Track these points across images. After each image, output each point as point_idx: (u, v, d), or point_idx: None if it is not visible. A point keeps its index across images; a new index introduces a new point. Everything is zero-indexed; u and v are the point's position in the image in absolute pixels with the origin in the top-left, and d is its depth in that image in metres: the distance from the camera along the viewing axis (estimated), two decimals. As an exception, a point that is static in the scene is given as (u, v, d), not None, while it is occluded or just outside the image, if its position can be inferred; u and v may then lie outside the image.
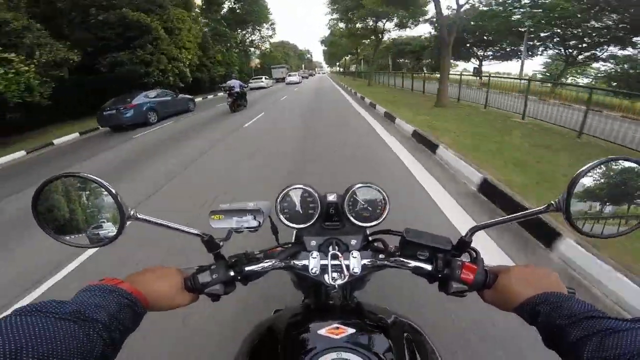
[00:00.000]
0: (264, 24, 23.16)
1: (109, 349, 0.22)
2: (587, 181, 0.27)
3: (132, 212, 0.30)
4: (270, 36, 24.43)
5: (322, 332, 0.29)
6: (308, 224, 0.39)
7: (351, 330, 0.29)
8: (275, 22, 24.06)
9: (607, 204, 0.28)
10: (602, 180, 0.27)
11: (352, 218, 0.38)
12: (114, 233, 0.30)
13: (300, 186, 0.39)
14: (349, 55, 26.58)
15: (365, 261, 0.35)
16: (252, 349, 0.34)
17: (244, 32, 20.94)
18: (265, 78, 15.97)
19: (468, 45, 14.56)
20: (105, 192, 0.29)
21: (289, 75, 18.86)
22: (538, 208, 0.28)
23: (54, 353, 0.19)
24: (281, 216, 0.39)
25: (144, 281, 0.29)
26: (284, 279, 0.49)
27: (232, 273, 0.34)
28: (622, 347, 0.19)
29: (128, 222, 0.30)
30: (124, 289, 0.26)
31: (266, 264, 0.35)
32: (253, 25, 21.80)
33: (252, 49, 22.73)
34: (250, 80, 15.18)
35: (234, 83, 6.33)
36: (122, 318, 0.24)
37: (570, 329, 0.22)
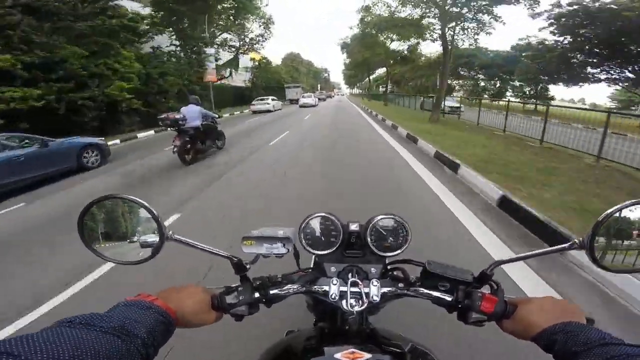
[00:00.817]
0: (250, 17, 14.48)
1: None
2: (613, 221, 0.31)
3: (169, 234, 0.36)
4: (263, 38, 15.96)
5: (339, 356, 0.31)
6: (329, 251, 0.43)
7: (367, 356, 0.31)
8: (272, 19, 15.97)
9: (632, 243, 0.32)
10: (628, 222, 0.31)
11: (373, 247, 0.43)
12: (151, 253, 0.36)
13: (324, 214, 0.45)
14: (373, 72, 22.94)
15: (384, 289, 0.38)
16: None
17: (212, 27, 12.40)
18: (273, 99, 13.45)
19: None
20: (146, 213, 0.35)
21: (303, 97, 17.32)
22: (562, 245, 0.32)
23: None
24: (303, 242, 0.44)
25: (174, 298, 0.34)
26: (294, 300, 0.51)
27: (257, 295, 0.39)
28: None
29: (165, 243, 0.35)
30: (159, 306, 0.30)
31: (289, 287, 0.40)
32: (227, 16, 13.61)
33: (215, 52, 12.33)
34: (253, 102, 13.34)
35: (189, 112, 3.84)
36: (157, 334, 0.28)
37: (584, 356, 0.24)
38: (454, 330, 0.96)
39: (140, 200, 0.35)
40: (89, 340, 0.22)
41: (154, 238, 0.36)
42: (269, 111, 12.98)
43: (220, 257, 0.39)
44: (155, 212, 0.35)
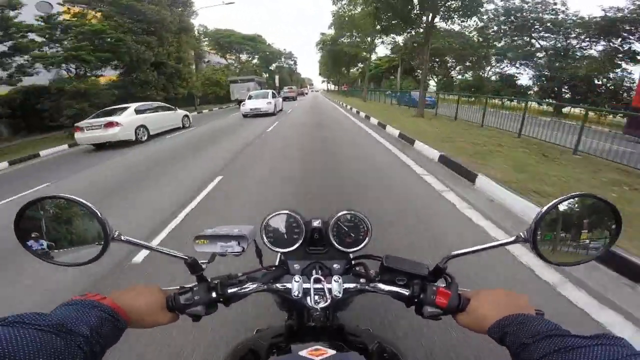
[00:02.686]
0: None
1: None
2: (553, 214, 0.41)
3: (115, 234, 0.42)
4: None
5: (303, 353, 0.39)
6: (292, 248, 0.54)
7: (331, 352, 0.39)
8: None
9: (571, 234, 0.43)
10: (568, 214, 0.42)
11: (335, 243, 0.54)
12: (97, 254, 0.42)
13: (286, 212, 0.55)
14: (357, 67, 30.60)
15: (347, 285, 0.48)
16: None
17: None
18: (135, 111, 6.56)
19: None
20: (89, 214, 0.40)
21: (249, 99, 11.53)
22: (507, 239, 0.43)
23: None
24: (266, 240, 0.54)
25: (126, 298, 0.41)
26: (269, 299, 0.64)
27: (214, 295, 0.46)
28: None
29: (111, 244, 0.42)
30: (106, 305, 0.36)
31: (249, 286, 0.48)
32: None
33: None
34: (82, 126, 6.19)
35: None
36: (102, 332, 0.33)
37: (533, 348, 0.31)
38: (421, 325, 1.25)
39: (81, 200, 0.40)
40: (24, 339, 0.26)
41: (98, 239, 0.42)
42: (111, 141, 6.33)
43: (173, 257, 0.47)
44: (98, 212, 0.41)
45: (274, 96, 12.39)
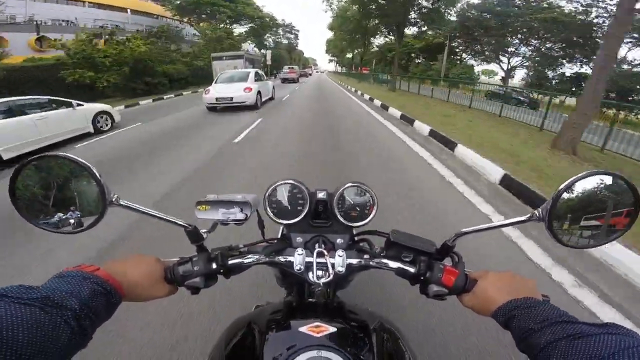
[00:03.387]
0: None
1: (77, 337, 0.37)
2: (569, 193, 0.49)
3: (114, 198, 0.51)
4: None
5: (303, 329, 0.50)
6: (296, 220, 0.67)
7: (332, 329, 0.50)
8: None
9: (587, 215, 0.51)
10: (585, 193, 0.49)
11: (340, 217, 0.68)
12: (95, 218, 0.52)
13: (290, 181, 0.68)
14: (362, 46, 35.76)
15: (350, 261, 0.61)
16: (230, 343, 0.58)
17: None
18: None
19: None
20: (88, 175, 0.49)
21: (217, 82, 10.24)
22: (520, 218, 0.53)
23: (15, 339, 0.30)
24: (269, 210, 0.68)
25: (122, 269, 0.50)
26: (268, 275, 0.83)
27: (214, 266, 0.59)
28: (589, 351, 0.34)
29: (109, 208, 0.51)
30: (99, 276, 0.43)
31: (250, 258, 0.61)
32: None
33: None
34: None
35: None
36: (94, 306, 0.40)
37: (541, 333, 0.40)
38: (423, 305, 1.69)
39: (81, 160, 0.50)
40: (5, 313, 0.32)
41: (96, 202, 0.52)
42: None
43: (173, 224, 0.59)
44: (97, 173, 0.50)
45: (258, 78, 10.47)
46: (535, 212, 0.53)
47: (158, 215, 0.59)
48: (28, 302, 0.35)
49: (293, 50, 71.62)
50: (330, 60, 76.22)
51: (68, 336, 0.36)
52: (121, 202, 0.54)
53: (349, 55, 52.16)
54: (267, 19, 40.73)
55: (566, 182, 0.50)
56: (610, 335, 0.36)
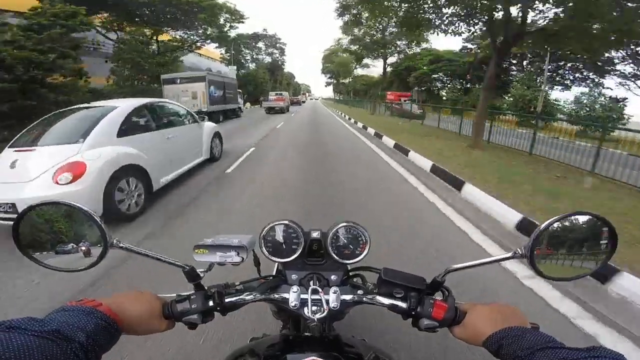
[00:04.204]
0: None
1: None
2: (550, 230, 0.77)
3: (114, 241, 0.77)
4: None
5: None
6: (291, 259, 0.96)
7: None
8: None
9: (567, 251, 0.81)
10: (565, 231, 0.79)
11: (334, 255, 0.97)
12: (95, 259, 0.78)
13: (285, 222, 0.98)
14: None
15: (344, 297, 0.89)
16: None
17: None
18: None
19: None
20: (89, 220, 0.75)
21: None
22: (505, 255, 0.81)
23: None
24: (264, 250, 0.97)
25: (121, 304, 0.72)
26: (264, 307, 1.12)
27: (211, 303, 0.84)
28: None
29: (109, 250, 0.78)
30: (102, 312, 0.64)
31: (247, 296, 0.88)
32: None
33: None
34: None
35: None
36: (98, 339, 0.59)
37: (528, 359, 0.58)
38: (419, 336, 2.08)
39: (81, 207, 0.76)
40: (20, 344, 0.48)
41: (98, 245, 0.79)
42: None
43: (171, 265, 0.87)
44: (97, 218, 0.76)
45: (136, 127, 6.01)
46: (518, 249, 0.81)
47: (156, 256, 0.88)
48: (41, 335, 0.53)
49: (278, 70, 74.80)
50: (329, 84, 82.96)
51: None
52: (121, 245, 0.82)
53: (359, 71, 59.37)
54: (229, 17, 35.92)
55: (546, 222, 0.78)
56: (596, 359, 0.52)
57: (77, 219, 0.82)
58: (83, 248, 0.83)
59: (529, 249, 0.79)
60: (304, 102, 69.51)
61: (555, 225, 0.79)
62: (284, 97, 35.94)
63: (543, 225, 0.78)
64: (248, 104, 47.82)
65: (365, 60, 40.44)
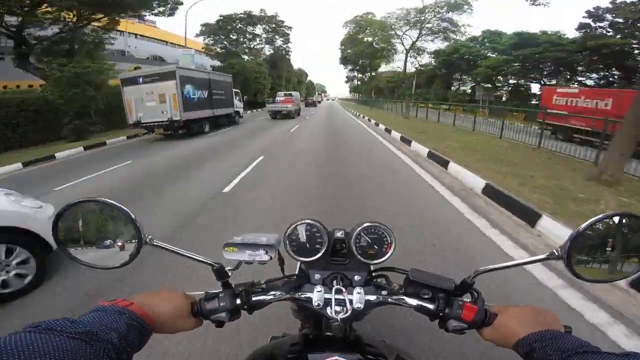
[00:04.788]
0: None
1: None
2: (588, 232, 0.97)
3: (148, 239, 1.07)
4: None
5: None
6: (314, 258, 1.24)
7: None
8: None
9: (605, 253, 1.01)
10: (602, 232, 0.99)
11: (358, 255, 1.25)
12: (129, 257, 1.09)
13: (309, 221, 1.26)
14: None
15: (368, 297, 1.14)
16: None
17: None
18: None
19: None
20: (124, 218, 1.05)
21: None
22: (540, 256, 1.02)
23: None
24: (289, 249, 1.26)
25: (152, 304, 0.97)
26: (282, 306, 1.60)
27: (238, 302, 1.13)
28: None
29: (142, 248, 1.08)
30: (133, 311, 0.86)
31: (272, 295, 1.17)
32: None
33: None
34: None
35: None
36: (129, 338, 0.79)
37: None
38: (440, 337, 2.98)
39: (118, 205, 1.02)
40: (55, 346, 0.63)
41: (132, 242, 1.07)
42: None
43: (201, 262, 1.14)
44: (133, 216, 1.03)
45: None
46: (554, 250, 1.00)
47: (188, 254, 1.13)
48: (75, 336, 0.67)
49: (282, 63, 72.30)
50: (350, 79, 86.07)
51: None
52: (155, 242, 1.08)
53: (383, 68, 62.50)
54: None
55: (584, 224, 0.95)
56: None
57: (113, 216, 1.08)
58: (119, 244, 1.10)
59: (565, 251, 0.97)
60: (319, 102, 77.66)
61: (596, 225, 0.97)
62: (293, 98, 37.03)
63: (581, 227, 0.95)
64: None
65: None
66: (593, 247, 1.02)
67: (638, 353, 0.70)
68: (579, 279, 1.02)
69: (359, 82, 79.04)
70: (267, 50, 65.61)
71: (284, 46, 69.10)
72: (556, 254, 1.00)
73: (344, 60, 73.07)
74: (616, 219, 0.99)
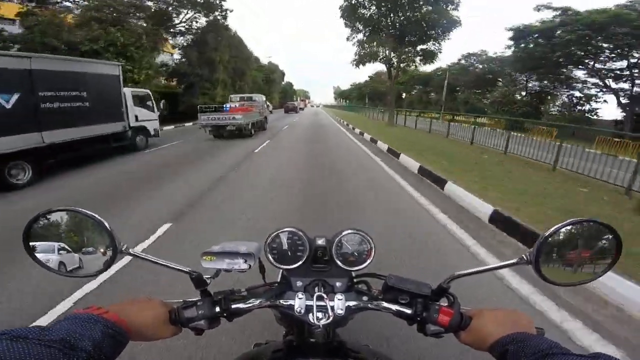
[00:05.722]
0: None
1: None
2: (555, 237, 1.04)
3: (124, 247, 1.09)
4: None
5: None
6: (295, 265, 1.26)
7: None
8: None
9: (572, 257, 1.09)
10: (569, 237, 1.06)
11: (339, 262, 1.26)
12: (104, 266, 1.11)
13: (290, 229, 1.28)
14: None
15: (349, 303, 1.17)
16: None
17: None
18: None
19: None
20: (99, 227, 1.06)
21: None
22: (511, 261, 1.10)
23: None
24: (270, 257, 1.27)
25: (129, 311, 0.98)
26: (267, 313, 1.43)
27: (217, 309, 1.15)
28: None
29: (118, 257, 1.09)
30: (109, 319, 0.85)
31: (252, 302, 1.18)
32: None
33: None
34: None
35: None
36: (105, 347, 0.79)
37: None
38: (421, 341, 3.11)
39: (91, 214, 1.04)
40: (28, 354, 0.62)
41: (106, 251, 1.09)
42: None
43: (178, 271, 1.16)
44: (107, 225, 1.05)
45: None
46: (523, 255, 1.07)
47: (164, 263, 1.16)
48: (49, 344, 0.67)
49: (215, 37, 42.34)
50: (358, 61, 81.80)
51: None
52: (130, 251, 1.10)
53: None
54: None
55: (551, 229, 1.02)
56: None
57: (86, 225, 1.10)
58: (92, 254, 1.11)
59: (533, 255, 1.04)
60: (302, 109, 70.72)
61: (562, 230, 1.03)
62: (253, 107, 27.24)
63: (547, 233, 1.02)
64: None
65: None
66: (560, 252, 1.08)
67: (604, 354, 0.75)
68: (547, 282, 1.08)
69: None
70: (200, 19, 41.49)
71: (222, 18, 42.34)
72: (525, 259, 1.07)
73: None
74: (582, 225, 1.07)
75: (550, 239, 1.03)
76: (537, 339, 0.87)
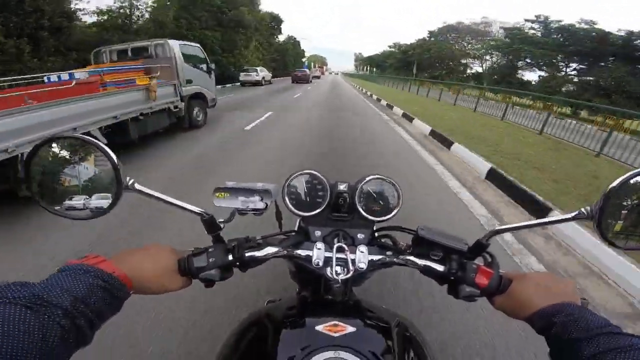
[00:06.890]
0: None
1: (73, 337, 0.60)
2: (621, 191, 0.79)
3: (129, 182, 0.90)
4: None
5: (320, 328, 0.86)
6: (315, 212, 1.13)
7: (351, 329, 0.86)
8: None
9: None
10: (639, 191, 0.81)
11: (362, 211, 1.13)
12: (108, 204, 0.92)
13: (310, 171, 1.14)
14: None
15: (372, 257, 1.03)
16: (241, 341, 1.01)
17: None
18: None
19: None
20: (104, 159, 0.86)
21: None
22: (566, 215, 0.87)
23: None
24: (287, 201, 1.14)
25: (131, 260, 0.83)
26: (279, 268, 1.64)
27: (230, 258, 1.00)
28: None
29: (124, 193, 0.90)
30: (102, 269, 0.71)
31: (268, 250, 1.06)
32: None
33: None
34: None
35: None
36: (91, 302, 0.65)
37: (584, 344, 0.67)
38: (441, 305, 3.12)
39: (96, 142, 0.86)
40: None
41: (111, 186, 0.91)
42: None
43: (189, 212, 1.01)
44: (113, 156, 0.86)
45: None
46: (583, 209, 0.87)
47: (174, 202, 1.00)
48: (14, 301, 0.57)
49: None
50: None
51: (59, 336, 0.58)
52: (136, 187, 0.94)
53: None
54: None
55: (619, 180, 0.80)
56: None
57: (93, 156, 0.93)
58: (96, 191, 0.95)
59: (597, 210, 0.84)
60: (317, 77, 63.35)
61: (629, 184, 0.82)
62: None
63: (613, 185, 0.81)
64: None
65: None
66: (628, 209, 0.87)
67: None
68: (610, 244, 0.89)
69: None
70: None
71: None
72: (585, 212, 0.86)
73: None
74: None
75: (616, 190, 0.82)
76: (588, 314, 0.75)
